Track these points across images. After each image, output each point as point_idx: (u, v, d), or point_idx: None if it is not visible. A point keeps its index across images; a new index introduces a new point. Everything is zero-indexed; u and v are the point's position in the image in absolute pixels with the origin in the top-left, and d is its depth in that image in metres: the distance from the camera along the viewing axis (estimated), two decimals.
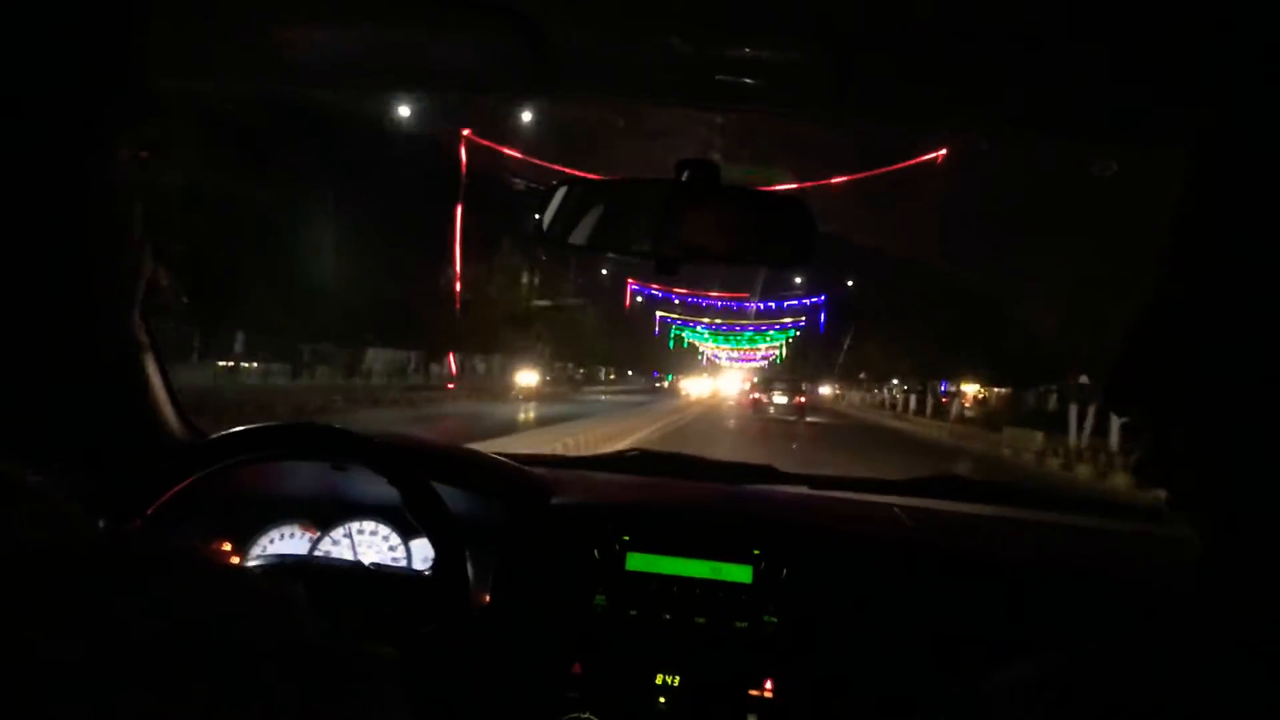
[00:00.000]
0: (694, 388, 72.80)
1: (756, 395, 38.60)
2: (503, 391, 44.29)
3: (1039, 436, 24.96)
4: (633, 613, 1.75)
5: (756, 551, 1.75)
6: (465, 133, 35.68)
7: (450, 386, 41.20)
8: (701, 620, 1.73)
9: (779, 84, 1.26)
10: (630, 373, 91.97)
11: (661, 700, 1.69)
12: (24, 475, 0.56)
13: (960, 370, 40.47)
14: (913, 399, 49.53)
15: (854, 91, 1.25)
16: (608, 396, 53.92)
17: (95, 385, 1.78)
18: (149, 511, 1.49)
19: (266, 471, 1.80)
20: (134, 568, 0.53)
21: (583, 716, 1.68)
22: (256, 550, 1.90)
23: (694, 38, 1.18)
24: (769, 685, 1.68)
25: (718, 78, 1.26)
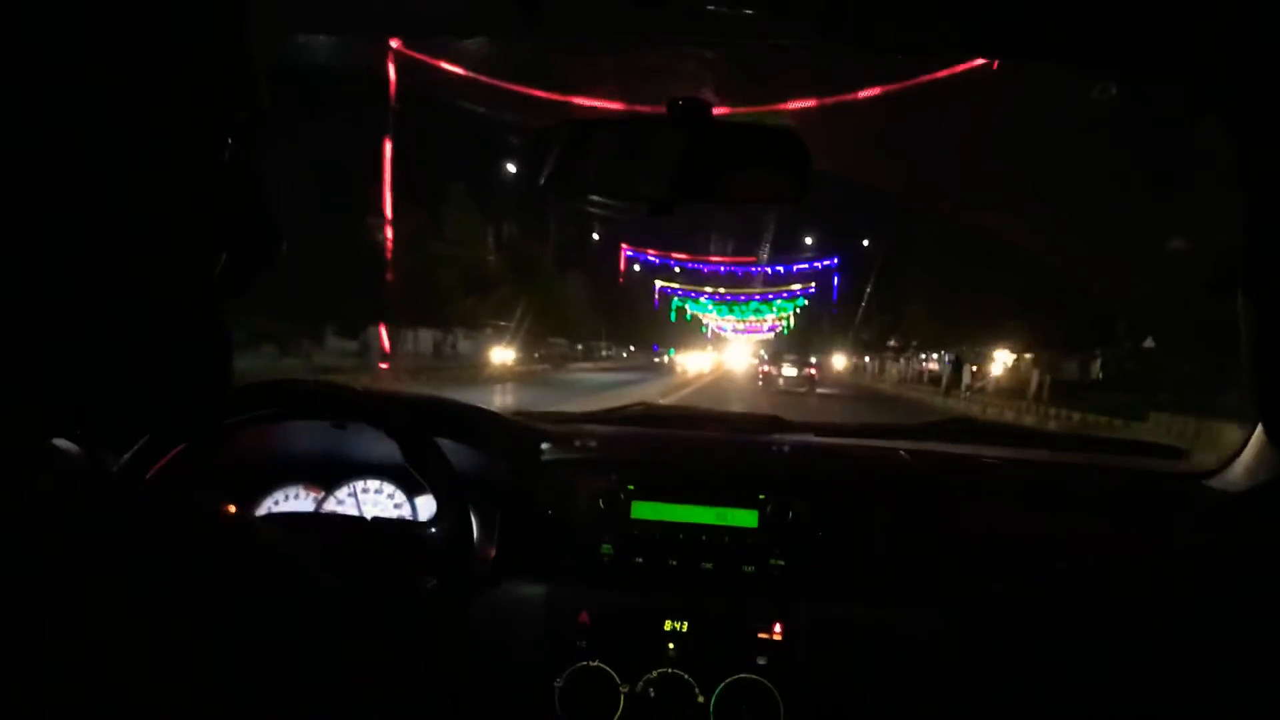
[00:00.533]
0: (692, 363, 64.96)
1: (766, 368, 37.42)
2: (461, 372, 34.71)
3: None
4: (639, 560, 1.74)
5: (761, 496, 1.74)
6: (394, 44, 27.12)
7: (383, 367, 30.98)
8: (708, 566, 1.73)
9: (779, 12, 1.23)
10: (631, 348, 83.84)
11: (670, 646, 1.69)
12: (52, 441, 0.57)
13: (1012, 336, 33.72)
14: (969, 372, 37.29)
15: (850, 20, 1.22)
16: (596, 374, 45.71)
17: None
18: (148, 476, 1.49)
19: (269, 433, 1.80)
20: (151, 523, 0.53)
21: (592, 665, 1.68)
22: (261, 511, 1.90)
23: None
24: (777, 628, 1.68)
25: (712, 9, 1.22)
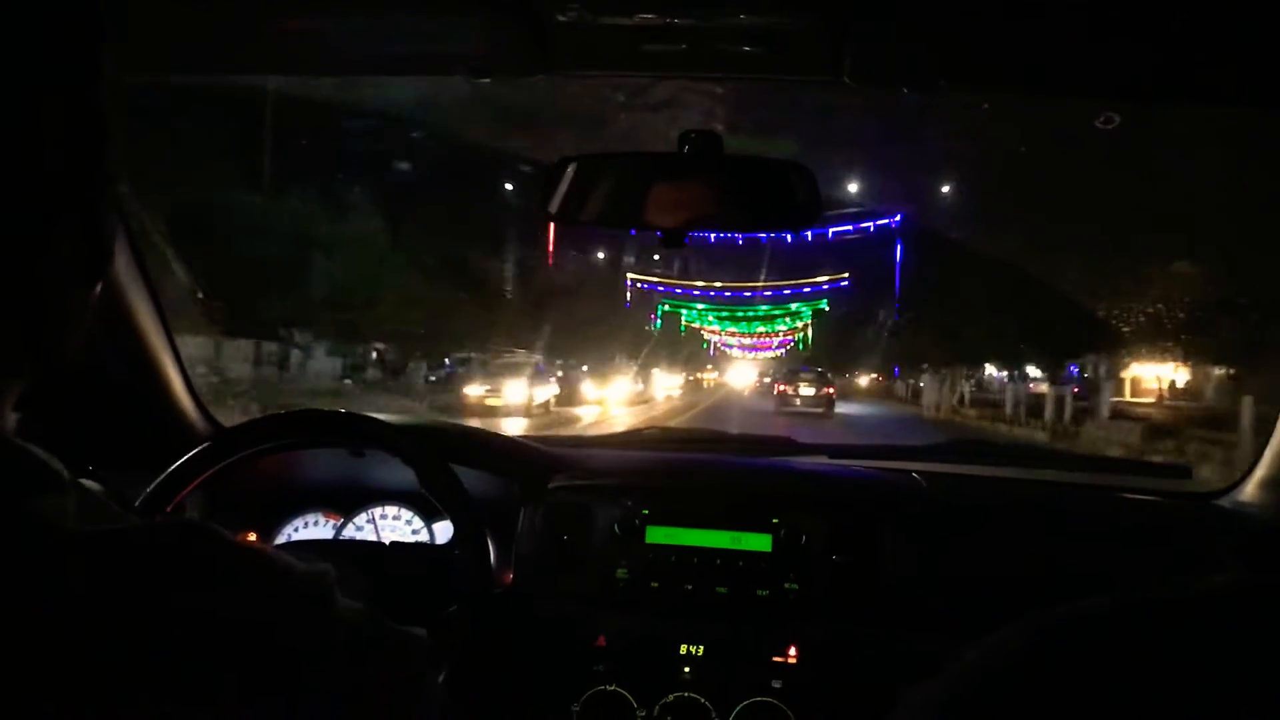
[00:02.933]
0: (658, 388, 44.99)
1: (782, 387, 34.92)
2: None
3: None
4: (654, 585, 1.76)
5: (775, 520, 1.76)
6: None
7: None
8: (723, 590, 1.74)
9: (779, 51, 1.26)
10: (583, 367, 45.81)
11: (686, 670, 1.71)
12: (69, 472, 0.58)
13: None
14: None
15: (852, 57, 1.25)
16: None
17: (114, 384, 1.81)
18: (169, 508, 1.52)
19: (287, 461, 1.82)
20: (172, 555, 0.55)
21: (608, 689, 1.70)
22: (281, 539, 1.92)
23: (689, 7, 1.18)
24: (792, 652, 1.70)
25: (717, 47, 1.26)
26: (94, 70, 0.61)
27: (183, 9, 1.20)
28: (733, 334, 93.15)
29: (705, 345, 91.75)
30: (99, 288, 0.64)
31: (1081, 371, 30.31)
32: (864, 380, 56.16)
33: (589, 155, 1.57)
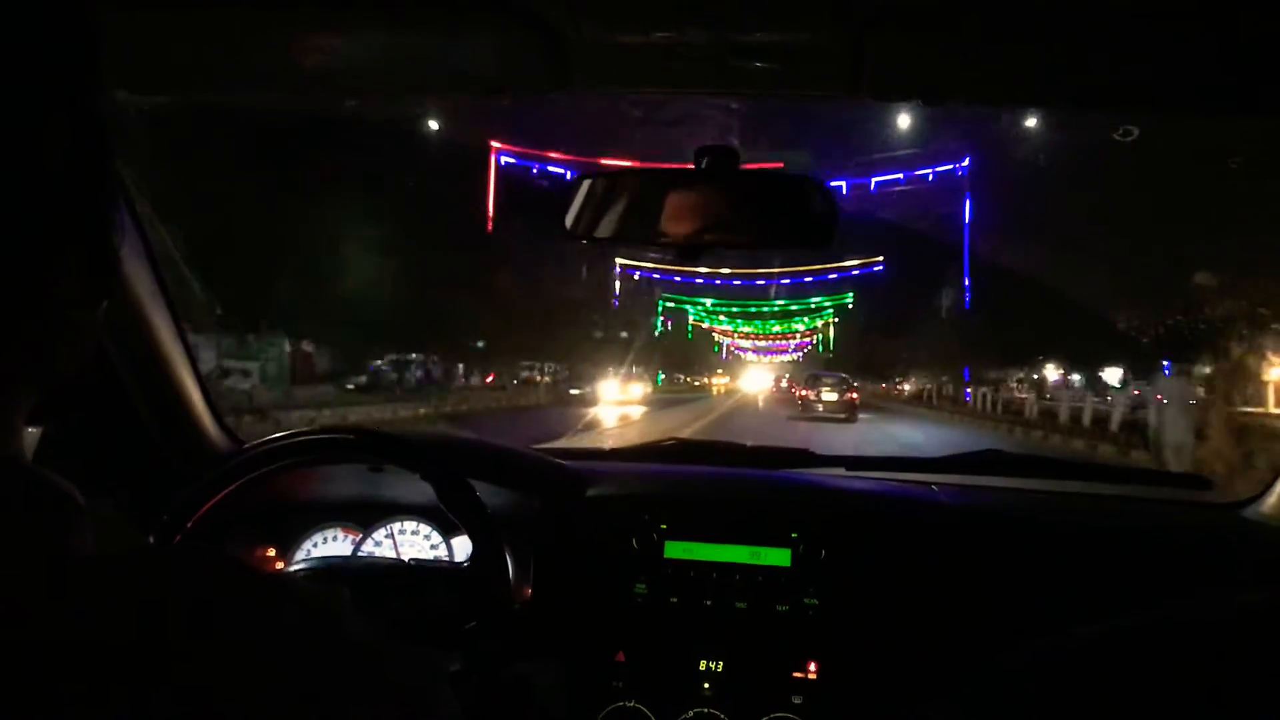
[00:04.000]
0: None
1: (804, 392, 33.96)
2: None
3: None
4: (673, 600, 1.76)
5: (794, 535, 1.75)
6: None
7: None
8: (742, 605, 1.74)
9: (796, 67, 1.26)
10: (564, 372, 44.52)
11: (706, 686, 1.70)
12: (80, 495, 0.59)
13: None
14: None
15: (868, 71, 1.25)
16: None
17: (131, 400, 1.82)
18: (189, 525, 1.52)
19: (306, 476, 1.83)
20: (185, 583, 0.55)
21: (628, 705, 1.70)
22: (300, 555, 1.93)
23: (706, 24, 1.18)
24: (812, 667, 1.69)
25: (733, 64, 1.26)
26: (97, 86, 0.62)
27: (199, 28, 1.21)
28: (746, 335, 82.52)
29: (716, 349, 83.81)
30: (105, 305, 0.65)
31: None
32: (908, 386, 47.09)
33: (606, 171, 1.58)
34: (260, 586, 0.57)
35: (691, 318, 76.59)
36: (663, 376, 65.12)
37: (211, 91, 1.51)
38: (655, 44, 1.23)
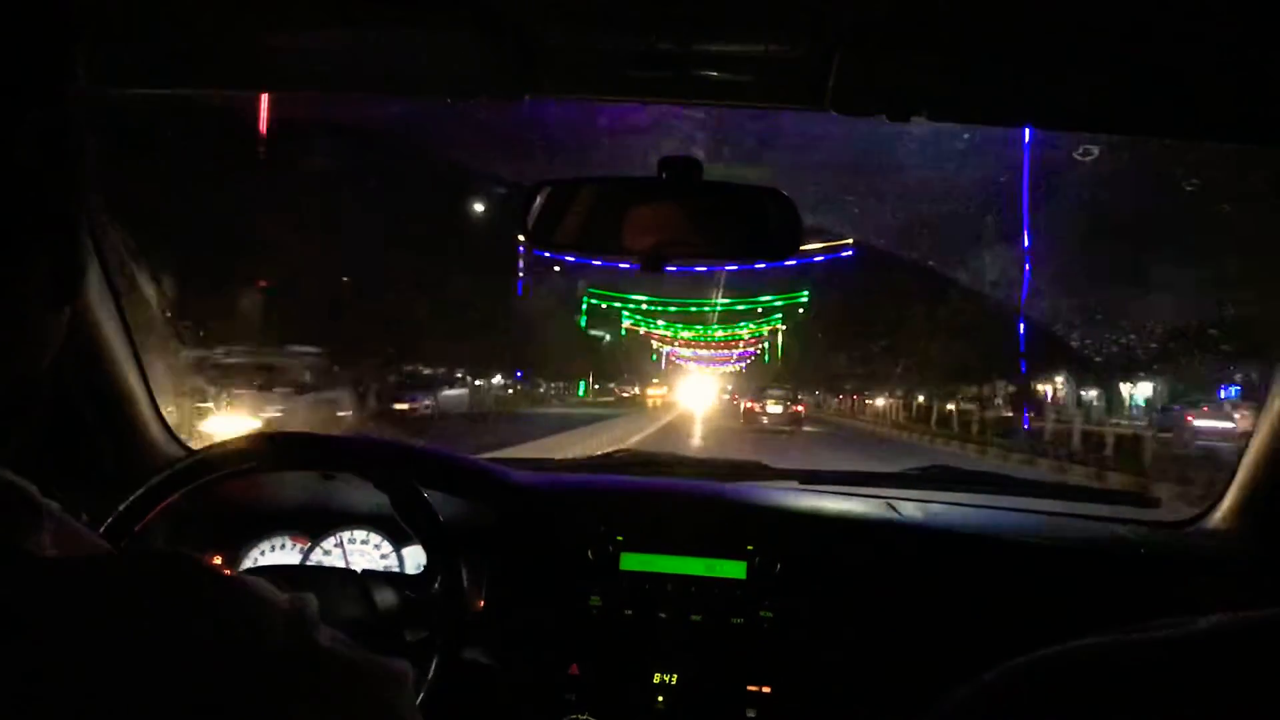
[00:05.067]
0: None
1: (749, 404, 33.82)
2: None
3: None
4: (628, 612, 1.74)
5: (750, 547, 1.75)
6: None
7: None
8: (697, 618, 1.73)
9: (762, 79, 1.27)
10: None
11: (660, 699, 1.69)
12: (42, 497, 0.57)
13: None
14: None
15: (834, 86, 1.26)
16: None
17: (78, 404, 1.77)
18: (135, 530, 1.49)
19: (255, 483, 1.79)
20: (155, 585, 0.53)
21: (581, 717, 1.68)
22: (248, 563, 1.89)
23: (674, 34, 1.19)
24: (766, 680, 1.69)
25: (700, 74, 1.26)
26: (72, 83, 0.60)
27: (166, 22, 1.19)
28: (687, 342, 74.54)
29: (655, 357, 75.85)
30: (70, 308, 0.63)
31: None
32: (880, 400, 39.39)
33: (566, 179, 1.57)
34: (229, 590, 0.56)
35: (626, 321, 67.59)
36: (585, 386, 60.14)
37: (177, 88, 1.48)
38: (622, 52, 1.23)
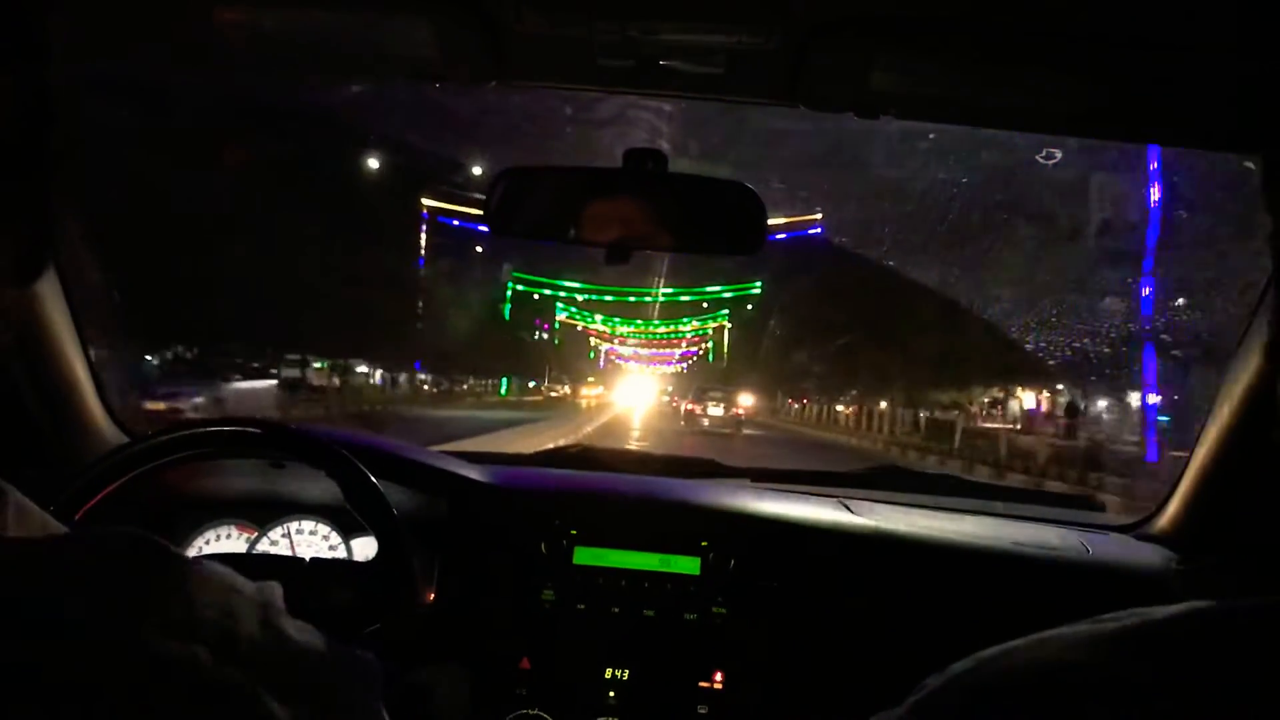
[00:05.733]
0: None
1: (690, 406, 33.34)
2: None
3: None
4: (581, 607, 1.74)
5: (705, 543, 1.75)
6: None
7: None
8: (650, 613, 1.73)
9: (734, 71, 1.26)
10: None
11: (611, 694, 1.68)
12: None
13: None
14: None
15: (806, 81, 1.26)
16: None
17: (22, 388, 1.72)
18: (77, 516, 1.45)
19: (200, 470, 1.76)
20: (123, 566, 0.52)
21: (532, 713, 1.67)
22: (192, 551, 1.85)
23: (644, 24, 1.18)
24: (718, 677, 1.69)
25: (671, 64, 1.25)
26: (42, 51, 0.58)
27: None
28: (626, 340, 70.03)
29: (592, 354, 71.62)
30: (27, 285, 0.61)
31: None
32: (841, 406, 36.20)
33: (530, 167, 1.56)
34: (196, 575, 0.54)
35: (561, 314, 62.07)
36: (509, 383, 53.80)
37: (134, 61, 1.44)
38: (593, 40, 1.21)
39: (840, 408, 37.17)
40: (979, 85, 1.25)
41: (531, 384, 59.73)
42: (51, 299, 1.73)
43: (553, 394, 58.02)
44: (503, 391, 52.40)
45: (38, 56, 0.58)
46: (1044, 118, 1.38)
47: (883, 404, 31.50)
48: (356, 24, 1.23)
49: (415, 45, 1.24)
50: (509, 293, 53.81)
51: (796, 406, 44.56)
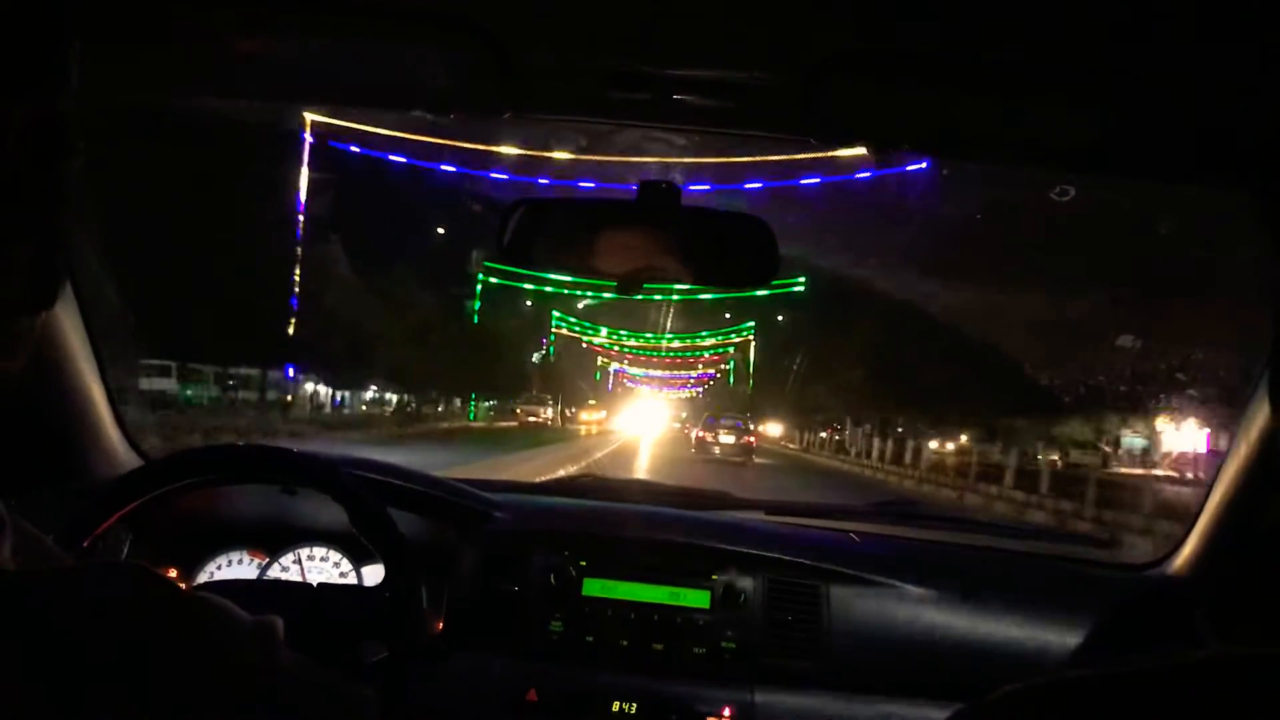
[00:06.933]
0: None
1: (701, 434, 32.68)
2: None
3: None
4: (589, 639, 1.72)
5: (715, 576, 1.74)
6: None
7: None
8: (659, 646, 1.71)
9: (745, 105, 1.27)
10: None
11: None
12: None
13: None
14: None
15: (817, 115, 1.26)
16: None
17: (38, 409, 1.74)
18: (85, 543, 1.45)
19: (213, 496, 1.76)
20: (120, 601, 0.52)
21: None
22: (203, 577, 1.85)
23: (655, 57, 1.19)
24: (727, 713, 1.67)
25: (682, 98, 1.26)
26: (63, 83, 0.59)
27: (143, 27, 1.17)
28: (635, 357, 62.07)
29: (598, 375, 63.89)
30: (45, 312, 0.62)
31: None
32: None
33: (544, 199, 1.57)
34: (193, 608, 0.54)
35: (561, 327, 52.25)
36: (481, 405, 44.19)
37: (157, 94, 1.46)
38: (605, 73, 1.22)
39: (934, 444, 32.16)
40: (989, 121, 1.25)
41: (505, 404, 48.62)
42: (69, 320, 1.75)
43: (531, 419, 43.78)
44: (471, 414, 43.07)
45: (56, 87, 0.58)
46: (1055, 153, 1.38)
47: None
48: (370, 56, 1.24)
49: (429, 77, 1.25)
50: (479, 287, 42.98)
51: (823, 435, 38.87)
